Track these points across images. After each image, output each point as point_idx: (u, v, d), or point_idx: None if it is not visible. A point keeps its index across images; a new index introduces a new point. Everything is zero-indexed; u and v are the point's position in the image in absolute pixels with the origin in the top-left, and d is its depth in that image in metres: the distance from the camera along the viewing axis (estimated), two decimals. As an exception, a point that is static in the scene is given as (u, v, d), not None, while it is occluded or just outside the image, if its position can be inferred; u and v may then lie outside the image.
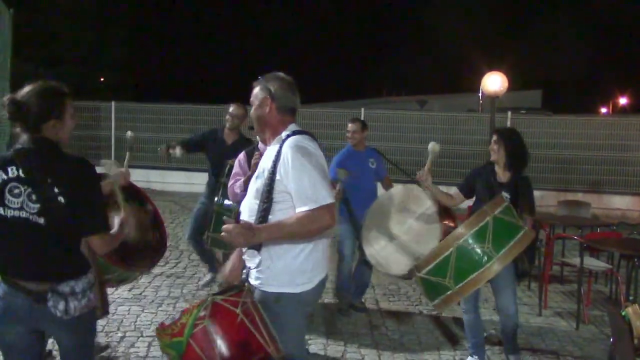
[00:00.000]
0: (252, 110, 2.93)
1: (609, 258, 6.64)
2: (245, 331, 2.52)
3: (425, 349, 4.94)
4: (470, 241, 3.70)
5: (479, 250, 3.67)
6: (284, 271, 2.74)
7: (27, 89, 2.64)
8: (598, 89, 49.60)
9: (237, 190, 4.42)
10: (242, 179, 4.42)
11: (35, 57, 25.37)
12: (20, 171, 2.52)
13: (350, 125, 5.78)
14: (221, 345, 2.48)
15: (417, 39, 56.38)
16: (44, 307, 2.52)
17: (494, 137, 4.57)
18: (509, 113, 12.99)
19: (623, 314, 3.40)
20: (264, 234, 2.61)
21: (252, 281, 2.79)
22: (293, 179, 2.66)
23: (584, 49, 48.95)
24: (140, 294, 6.01)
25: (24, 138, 2.59)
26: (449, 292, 3.72)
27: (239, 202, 4.54)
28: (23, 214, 2.51)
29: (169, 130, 13.53)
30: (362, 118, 13.57)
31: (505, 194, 4.28)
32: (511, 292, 4.32)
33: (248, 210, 2.84)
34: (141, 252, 3.73)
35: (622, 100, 44.95)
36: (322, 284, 2.86)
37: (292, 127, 2.88)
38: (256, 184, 2.82)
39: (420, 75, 51.72)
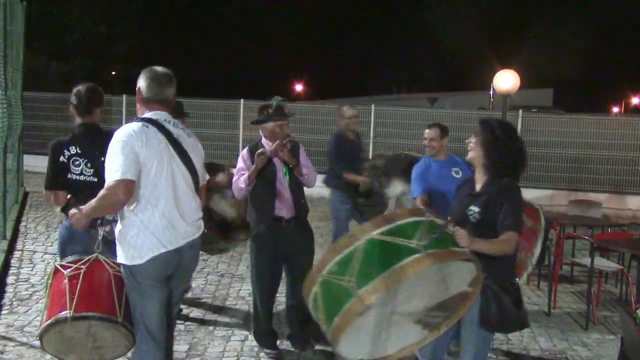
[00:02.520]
0: None
1: (620, 258, 6.59)
2: (109, 288, 3.21)
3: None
4: (334, 273, 2.72)
5: (343, 284, 2.67)
6: (121, 245, 3.19)
7: (82, 86, 3.97)
8: (610, 88, 49.27)
9: (242, 185, 4.42)
10: (247, 174, 4.42)
11: (47, 49, 25.51)
12: (78, 148, 3.82)
13: (427, 132, 5.07)
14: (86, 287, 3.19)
15: (428, 36, 56.14)
16: (94, 231, 3.46)
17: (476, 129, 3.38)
18: (520, 111, 12.92)
19: (633, 315, 3.38)
20: (89, 210, 3.14)
21: None
22: (107, 159, 3.12)
23: (596, 48, 48.65)
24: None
25: (77, 122, 3.95)
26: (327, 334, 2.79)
27: (244, 197, 4.59)
28: (81, 177, 3.80)
29: (179, 124, 13.55)
30: (372, 115, 13.69)
31: (473, 208, 3.21)
32: (471, 350, 3.24)
33: None
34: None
35: (635, 100, 44.67)
36: (157, 259, 3.14)
37: (148, 114, 3.27)
38: None
39: (431, 73, 51.62)
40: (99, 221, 3.44)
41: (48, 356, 4.37)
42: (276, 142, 4.37)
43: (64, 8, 26.97)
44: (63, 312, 3.11)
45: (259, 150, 4.38)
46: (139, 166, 3.05)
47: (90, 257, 3.26)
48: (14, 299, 5.48)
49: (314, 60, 53.46)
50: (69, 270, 3.20)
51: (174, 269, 3.26)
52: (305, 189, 4.63)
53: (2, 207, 7.21)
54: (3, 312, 5.15)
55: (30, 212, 9.31)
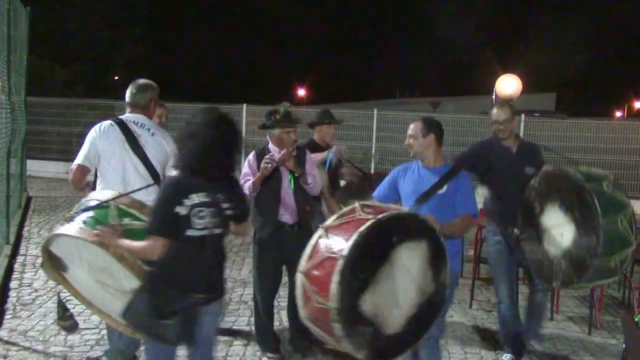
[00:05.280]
0: None
1: (622, 263, 6.58)
2: None
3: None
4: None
5: None
6: None
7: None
8: (613, 93, 49.20)
9: (247, 191, 4.42)
10: (252, 180, 4.43)
11: (50, 54, 25.57)
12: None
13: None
14: None
15: (431, 40, 56.18)
16: None
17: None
18: (523, 116, 12.91)
19: (636, 319, 3.38)
20: None
21: None
22: None
23: (599, 52, 48.64)
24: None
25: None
26: None
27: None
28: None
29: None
30: (374, 119, 13.71)
31: None
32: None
33: None
34: None
35: (638, 104, 44.60)
36: None
37: (124, 115, 4.09)
38: None
39: (433, 77, 51.64)
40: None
41: (52, 359, 4.41)
42: (283, 152, 4.39)
43: (68, 13, 27.07)
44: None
45: (267, 158, 4.38)
46: (97, 155, 3.87)
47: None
48: (17, 304, 5.49)
49: (316, 65, 53.48)
50: None
51: None
52: None
53: (5, 211, 7.22)
54: (6, 316, 5.16)
55: (34, 217, 9.34)
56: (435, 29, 52.22)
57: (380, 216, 2.85)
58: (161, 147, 3.99)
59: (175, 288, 2.87)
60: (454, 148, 13.65)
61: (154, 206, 2.91)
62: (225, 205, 2.96)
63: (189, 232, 2.84)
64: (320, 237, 2.94)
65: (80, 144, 3.98)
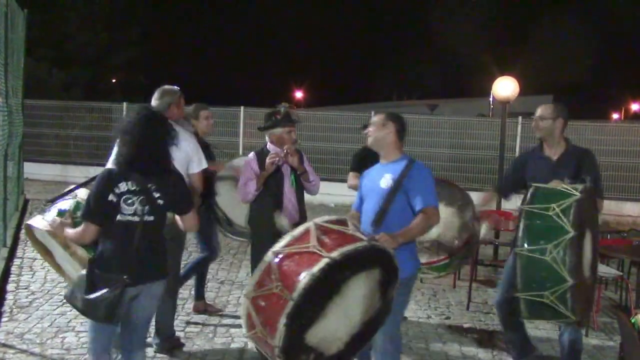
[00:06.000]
0: None
1: (619, 265, 6.60)
2: None
3: (433, 353, 4.94)
4: None
5: None
6: None
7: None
8: (610, 95, 49.25)
9: (251, 190, 4.46)
10: (254, 180, 4.46)
11: (48, 57, 25.53)
12: None
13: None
14: None
15: (429, 43, 56.26)
16: None
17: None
18: (520, 118, 12.96)
19: (633, 321, 3.38)
20: None
21: None
22: None
23: (596, 55, 48.72)
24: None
25: None
26: None
27: (248, 203, 4.61)
28: None
29: (179, 131, 13.58)
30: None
31: None
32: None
33: None
34: None
35: (635, 106, 44.67)
36: None
37: None
38: None
39: (431, 80, 51.65)
40: None
41: (48, 363, 4.40)
42: (286, 146, 4.41)
43: (65, 16, 27.04)
44: None
45: (273, 154, 4.41)
46: None
47: None
48: (14, 307, 5.48)
49: (314, 67, 53.54)
50: None
51: None
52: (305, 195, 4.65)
53: (2, 214, 7.21)
54: (3, 319, 5.15)
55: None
56: (433, 32, 52.28)
57: (334, 255, 2.71)
58: (177, 148, 4.03)
59: (103, 269, 3.12)
60: (450, 150, 13.76)
61: (88, 195, 3.21)
62: (156, 195, 3.19)
63: (119, 217, 3.13)
64: (270, 263, 2.82)
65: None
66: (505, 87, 8.71)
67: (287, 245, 2.86)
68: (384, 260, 3.01)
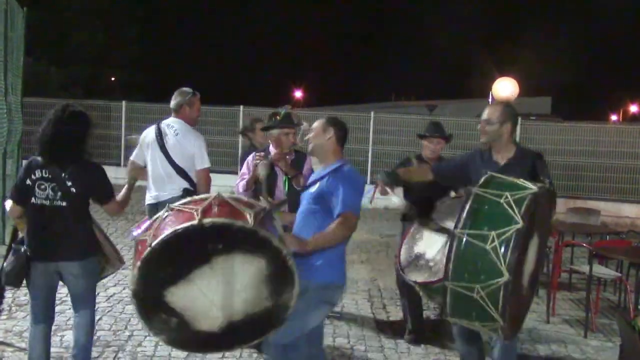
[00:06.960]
0: None
1: (618, 266, 6.60)
2: None
3: (430, 353, 4.94)
4: None
5: None
6: None
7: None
8: (608, 96, 49.30)
9: (240, 190, 4.50)
10: (246, 179, 4.51)
11: (47, 56, 25.49)
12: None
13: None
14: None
15: (427, 43, 56.26)
16: None
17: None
18: (519, 119, 12.95)
19: (632, 322, 3.39)
20: None
21: None
22: None
23: (595, 56, 48.79)
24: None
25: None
26: None
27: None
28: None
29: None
30: (371, 122, 13.70)
31: None
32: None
33: None
34: None
35: (633, 108, 44.71)
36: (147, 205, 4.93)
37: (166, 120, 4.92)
38: None
39: (430, 80, 51.68)
40: None
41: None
42: (274, 152, 4.47)
43: (64, 14, 27.00)
44: None
45: (257, 155, 4.51)
46: (142, 151, 4.88)
47: None
48: (12, 305, 5.47)
49: (313, 67, 53.50)
50: None
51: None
52: None
53: (1, 212, 7.20)
54: (2, 317, 5.13)
55: (29, 218, 9.29)
56: (431, 32, 52.29)
57: (206, 221, 2.81)
58: (181, 146, 4.75)
59: (23, 243, 3.73)
60: (451, 151, 13.71)
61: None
62: (69, 183, 3.60)
63: (33, 200, 3.63)
64: (161, 216, 3.03)
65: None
66: (504, 87, 8.78)
67: (183, 204, 3.03)
68: (272, 254, 2.92)
